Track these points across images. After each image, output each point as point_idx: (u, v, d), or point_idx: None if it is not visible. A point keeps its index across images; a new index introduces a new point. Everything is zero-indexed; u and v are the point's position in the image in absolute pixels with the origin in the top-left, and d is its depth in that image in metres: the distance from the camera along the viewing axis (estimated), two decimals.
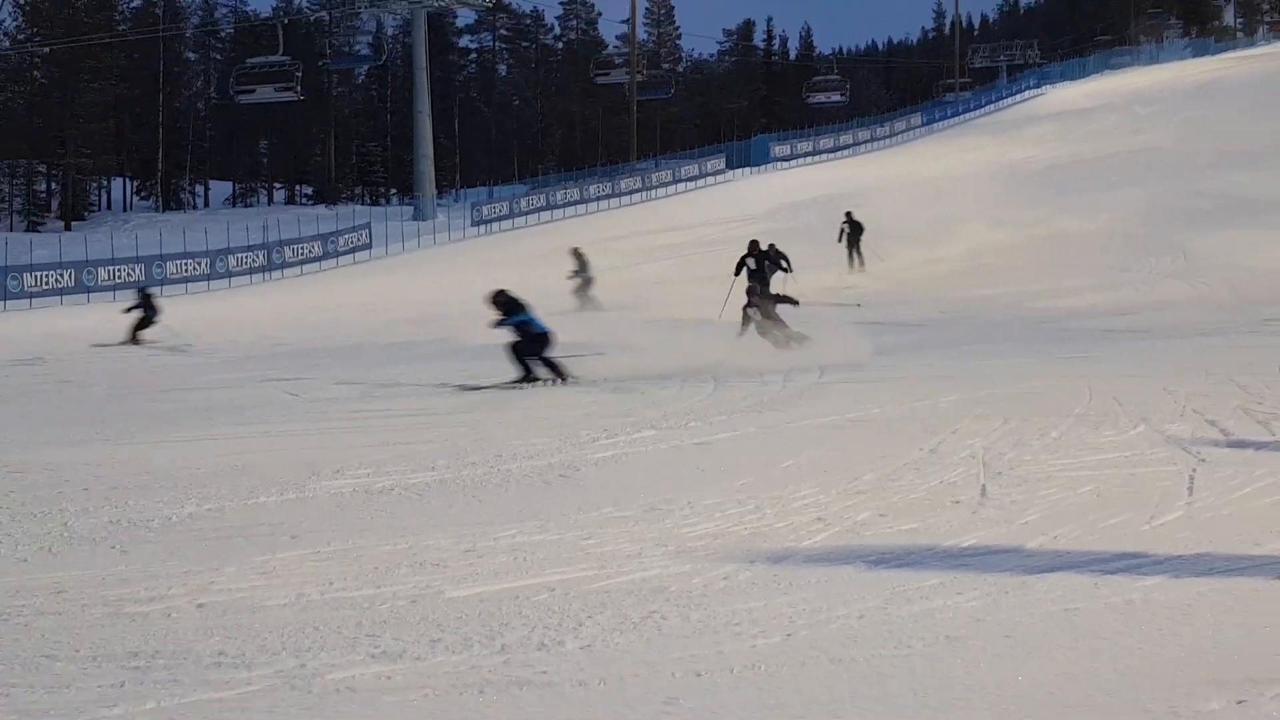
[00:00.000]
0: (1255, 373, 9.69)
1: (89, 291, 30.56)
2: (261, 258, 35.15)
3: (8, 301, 28.93)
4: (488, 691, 3.45)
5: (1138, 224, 26.70)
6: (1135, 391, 8.94)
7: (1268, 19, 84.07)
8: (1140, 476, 6.13)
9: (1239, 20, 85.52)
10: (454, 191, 57.70)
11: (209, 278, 33.25)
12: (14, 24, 54.93)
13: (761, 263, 17.38)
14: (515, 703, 3.35)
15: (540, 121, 70.44)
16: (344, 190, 61.77)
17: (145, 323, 18.30)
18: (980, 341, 14.18)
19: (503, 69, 73.50)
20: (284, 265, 35.36)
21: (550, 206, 43.96)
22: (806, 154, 52.17)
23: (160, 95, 57.91)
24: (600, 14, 74.26)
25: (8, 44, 53.79)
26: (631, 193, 46.14)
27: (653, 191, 46.64)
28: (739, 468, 6.77)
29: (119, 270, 31.95)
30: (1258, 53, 67.74)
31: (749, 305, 13.23)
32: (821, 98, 61.41)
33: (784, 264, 19.85)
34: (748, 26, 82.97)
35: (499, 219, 42.43)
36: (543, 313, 11.77)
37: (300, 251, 36.25)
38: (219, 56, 63.14)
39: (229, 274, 33.78)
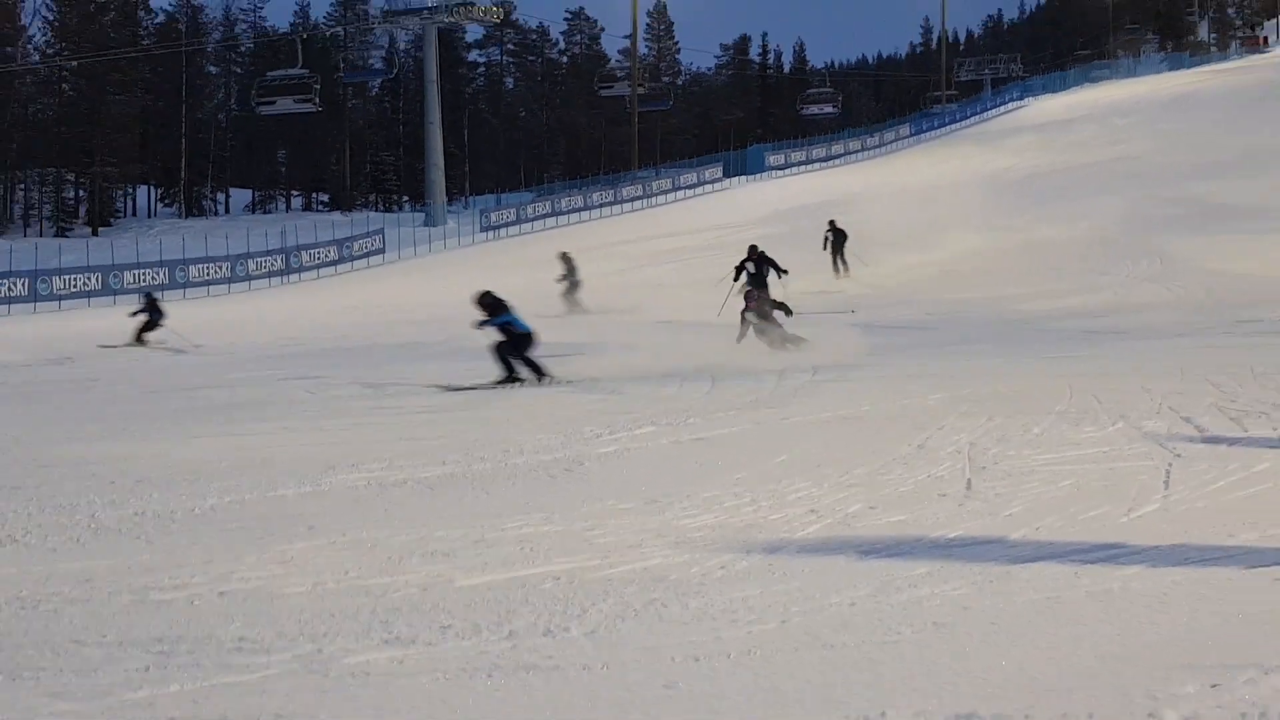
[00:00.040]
0: (1228, 372, 9.68)
1: (115, 294, 30.57)
2: (280, 262, 35.18)
3: (38, 303, 28.96)
4: (496, 676, 3.44)
5: (1116, 230, 26.67)
6: (1114, 390, 8.93)
7: (1240, 34, 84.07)
8: (1119, 471, 6.12)
9: (1212, 35, 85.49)
10: (464, 199, 57.68)
11: (230, 281, 33.28)
12: (44, 39, 55.02)
13: (760, 267, 17.24)
14: (522, 686, 3.35)
15: (546, 132, 70.43)
16: (358, 197, 61.78)
17: (151, 325, 18.32)
18: (965, 342, 14.18)
19: (510, 82, 73.48)
20: (301, 269, 35.39)
21: (555, 213, 43.98)
22: (800, 163, 52.20)
23: (183, 107, 57.95)
24: (603, 29, 74.12)
25: (38, 58, 53.81)
26: (633, 200, 46.17)
27: (653, 199, 46.67)
28: (736, 462, 6.77)
29: (144, 274, 31.97)
30: (1230, 66, 67.75)
31: (746, 309, 13.17)
32: (815, 109, 61.44)
33: (778, 268, 19.74)
34: (744, 41, 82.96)
35: (507, 225, 42.45)
36: (538, 314, 11.76)
37: (317, 256, 36.27)
38: (239, 70, 63.14)
39: (249, 277, 33.81)
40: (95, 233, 50.10)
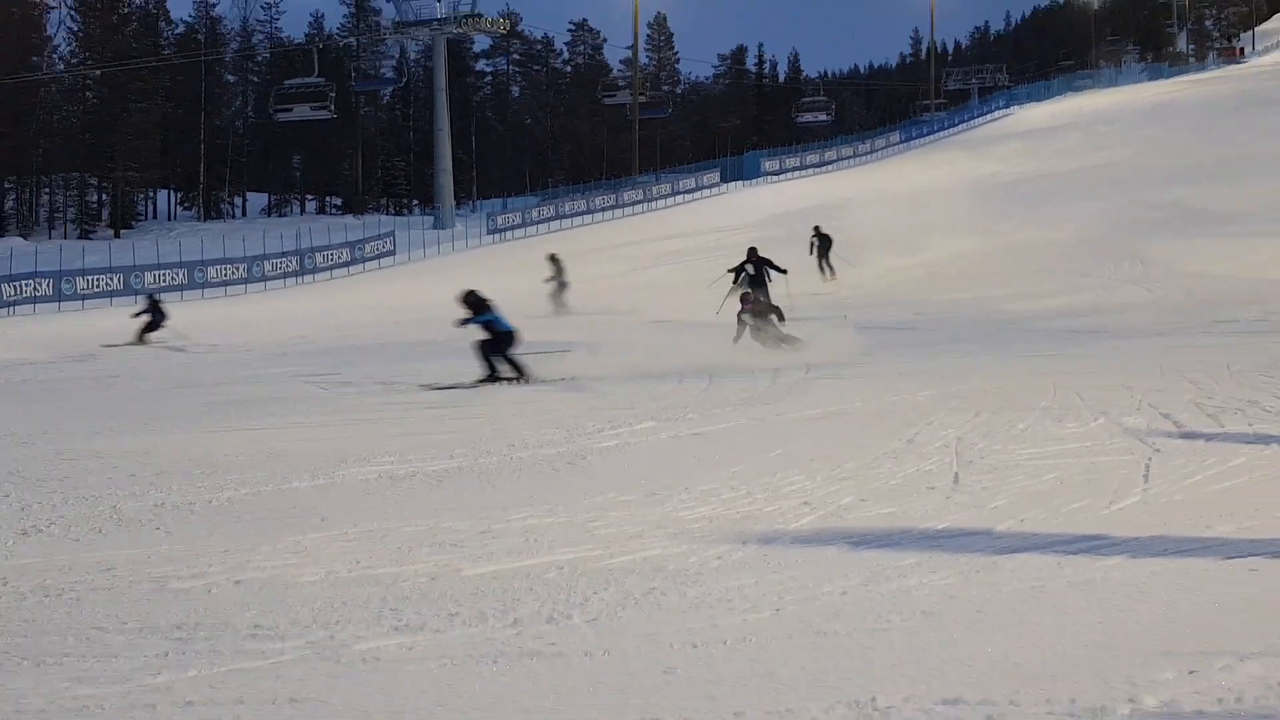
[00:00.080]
0: (1206, 370, 9.67)
1: (136, 294, 30.42)
2: (294, 263, 35.17)
3: (62, 303, 28.96)
4: (501, 661, 3.44)
5: (1098, 234, 26.64)
6: (1096, 387, 8.92)
7: (1217, 45, 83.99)
8: (1100, 465, 6.12)
9: (1190, 47, 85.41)
10: (471, 202, 57.65)
11: (246, 281, 33.27)
12: (68, 49, 54.98)
13: (760, 269, 17.10)
14: (527, 672, 3.35)
15: (550, 138, 70.39)
16: (370, 201, 61.74)
17: (153, 326, 18.33)
18: (953, 341, 14.16)
19: (516, 91, 73.41)
20: (315, 270, 35.38)
21: (559, 216, 43.97)
22: (794, 169, 52.17)
23: (202, 114, 57.93)
24: (606, 40, 74.01)
25: (62, 67, 53.80)
26: (634, 204, 46.15)
27: (653, 203, 46.65)
28: (732, 457, 6.76)
29: (164, 274, 31.97)
30: (1208, 76, 67.68)
31: (743, 311, 13.13)
32: (809, 117, 61.39)
33: (777, 267, 19.53)
34: (740, 51, 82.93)
35: (512, 228, 42.45)
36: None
37: (330, 258, 36.26)
38: (256, 79, 63.10)
39: (264, 278, 33.80)
40: (117, 235, 50.11)
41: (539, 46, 71.87)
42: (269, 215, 61.57)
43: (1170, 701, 2.98)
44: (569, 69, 73.22)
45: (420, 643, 3.63)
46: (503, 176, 66.13)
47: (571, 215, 44.23)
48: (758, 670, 3.30)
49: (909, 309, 18.80)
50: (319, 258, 35.92)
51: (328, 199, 65.26)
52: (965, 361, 11.72)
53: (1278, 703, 2.96)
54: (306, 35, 63.55)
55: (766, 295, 16.33)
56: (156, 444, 7.86)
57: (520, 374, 10.96)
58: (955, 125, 60.38)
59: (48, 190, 55.29)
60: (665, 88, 69.65)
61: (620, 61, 69.26)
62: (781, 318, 13.92)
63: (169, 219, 59.41)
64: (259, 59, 63.38)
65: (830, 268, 24.46)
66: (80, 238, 49.98)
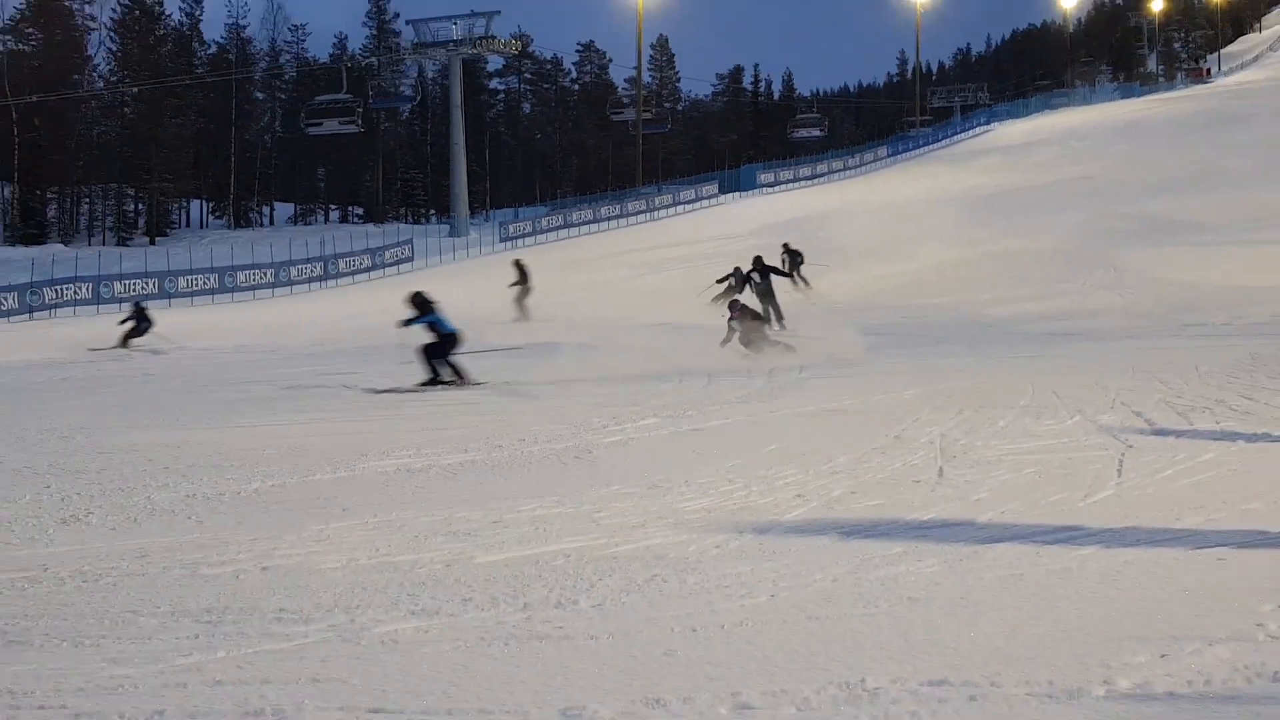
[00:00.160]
0: (1175, 371, 9.64)
1: (170, 297, 30.61)
2: (319, 269, 35.19)
3: (100, 305, 28.98)
4: (512, 644, 3.43)
5: (1074, 242, 26.59)
6: (1072, 387, 8.89)
7: (1185, 67, 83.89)
8: (1076, 460, 6.09)
9: (1160, 67, 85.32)
10: (485, 212, 57.63)
11: (274, 286, 33.30)
12: (108, 68, 55.05)
13: (766, 276, 16.76)
14: (536, 654, 3.34)
15: (559, 152, 70.37)
16: (390, 211, 61.74)
17: (137, 332, 18.24)
18: (937, 344, 14.13)
19: (527, 107, 73.38)
20: (338, 275, 35.40)
21: (567, 225, 43.96)
22: (788, 181, 52.12)
23: (232, 129, 57.96)
24: (611, 60, 73.93)
25: (102, 85, 53.84)
26: (637, 214, 46.12)
27: (655, 213, 46.60)
28: (729, 451, 6.75)
29: (196, 279, 32.03)
30: (1176, 95, 67.57)
31: (731, 318, 13.06)
32: (804, 133, 61.32)
33: (781, 272, 19.19)
34: (737, 71, 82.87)
35: (523, 235, 42.43)
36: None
37: (352, 264, 36.28)
38: (283, 96, 63.10)
39: (290, 283, 33.81)
40: (153, 242, 50.14)
41: (549, 66, 71.86)
42: (295, 224, 61.59)
43: (1143, 683, 2.96)
44: (577, 87, 73.19)
45: (436, 626, 3.62)
46: (514, 188, 66.15)
47: (579, 224, 44.21)
48: (754, 652, 3.29)
49: (896, 313, 18.77)
50: (342, 264, 35.95)
51: (350, 209, 65.22)
52: (949, 362, 11.69)
53: (1244, 685, 2.94)
54: (331, 55, 63.61)
55: (774, 301, 16.20)
56: (188, 439, 7.85)
57: (460, 377, 10.56)
58: (939, 141, 60.28)
59: (87, 200, 55.32)
60: (667, 105, 69.56)
61: (625, 80, 69.34)
62: (781, 321, 13.89)
63: (201, 227, 59.43)
64: (286, 78, 63.37)
65: (803, 280, 23.84)
66: (118, 244, 50.01)
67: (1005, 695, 2.92)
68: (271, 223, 62.39)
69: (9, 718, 2.93)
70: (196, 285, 31.76)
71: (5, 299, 27.39)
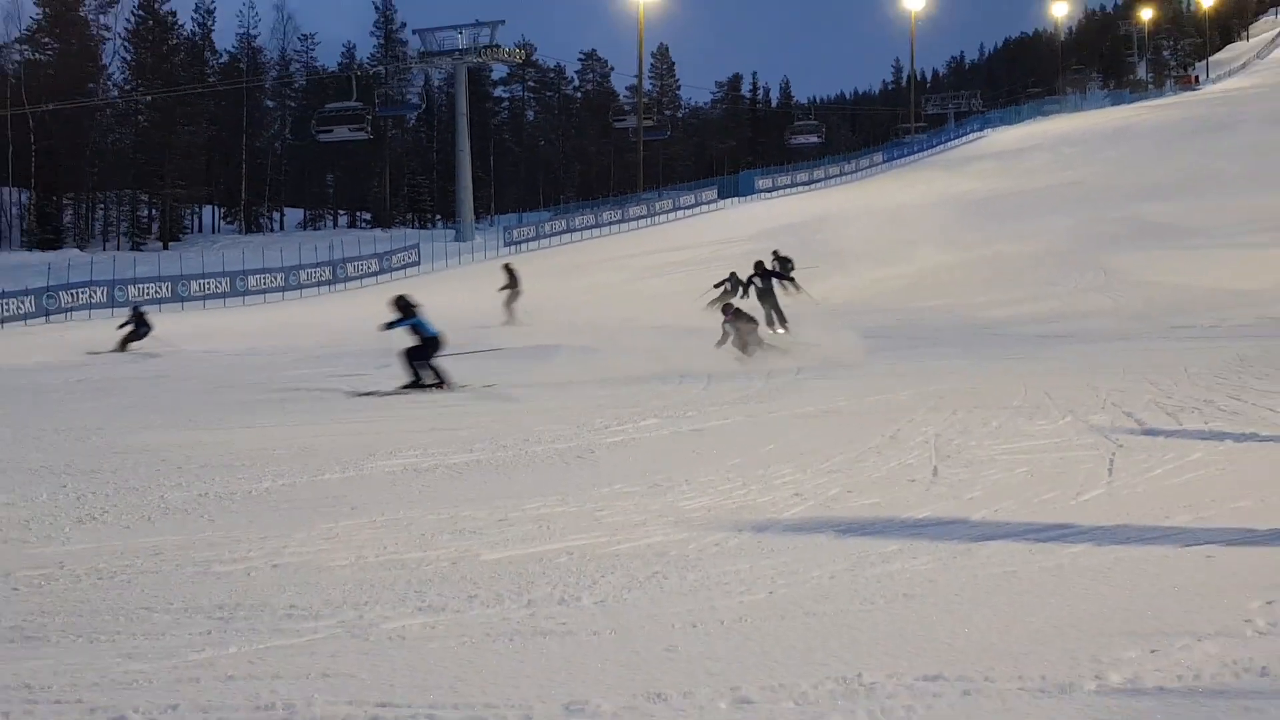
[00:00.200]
0: (1165, 372, 9.64)
1: (183, 301, 30.65)
2: (328, 273, 35.21)
3: (114, 309, 28.98)
4: (516, 640, 3.43)
5: (1065, 246, 26.57)
6: (1063, 387, 8.89)
7: (1174, 74, 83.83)
8: (1068, 459, 6.09)
9: (1149, 75, 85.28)
10: (489, 217, 57.61)
11: (284, 289, 33.31)
12: (122, 77, 55.11)
13: (768, 279, 16.59)
14: (540, 649, 3.34)
15: (562, 158, 70.38)
16: (397, 216, 61.75)
17: (136, 336, 18.16)
18: (931, 345, 14.12)
19: (530, 115, 73.39)
20: (346, 279, 35.41)
21: (570, 230, 43.97)
22: (785, 186, 52.10)
23: (244, 136, 57.99)
24: (613, 69, 73.95)
25: (116, 93, 53.90)
26: (638, 219, 46.12)
27: (656, 218, 46.60)
28: (729, 451, 6.74)
29: (208, 283, 32.06)
30: (1165, 102, 67.53)
31: (725, 321, 13.03)
32: (802, 139, 61.32)
33: (783, 276, 18.89)
34: (736, 79, 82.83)
35: (527, 240, 42.44)
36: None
37: (360, 268, 36.30)
38: (293, 104, 63.14)
39: (300, 286, 33.83)
40: (165, 247, 50.15)
41: (552, 74, 71.88)
42: (305, 229, 61.55)
43: (1133, 678, 2.96)
44: (579, 95, 73.19)
45: (442, 622, 3.62)
46: (518, 193, 66.16)
47: (581, 229, 44.23)
48: (752, 648, 3.29)
49: (891, 316, 18.76)
50: (350, 268, 35.97)
51: (358, 214, 65.25)
52: (943, 364, 11.68)
53: (1233, 680, 2.94)
54: (339, 64, 63.56)
55: (776, 304, 16.08)
56: (201, 438, 7.85)
57: (441, 381, 10.42)
58: (933, 147, 60.25)
59: (102, 206, 55.36)
60: (667, 112, 69.58)
61: (626, 88, 69.37)
62: (785, 324, 13.86)
63: (213, 232, 59.44)
64: (296, 86, 63.40)
65: (794, 285, 23.51)
66: (132, 249, 50.02)
67: (998, 690, 2.91)
68: (281, 228, 62.37)
69: (26, 712, 2.94)
70: (208, 289, 31.79)
71: (22, 303, 27.41)
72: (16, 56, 50.55)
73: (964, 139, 61.51)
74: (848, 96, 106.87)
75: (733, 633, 3.44)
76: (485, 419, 8.60)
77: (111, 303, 29.25)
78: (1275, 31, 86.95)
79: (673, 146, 69.46)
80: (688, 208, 48.10)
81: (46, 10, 51.46)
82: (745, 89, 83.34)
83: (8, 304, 27.04)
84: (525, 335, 17.01)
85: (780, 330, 15.45)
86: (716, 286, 20.92)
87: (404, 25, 63.03)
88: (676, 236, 40.54)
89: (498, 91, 70.16)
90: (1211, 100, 62.91)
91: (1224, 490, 5.19)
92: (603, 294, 26.18)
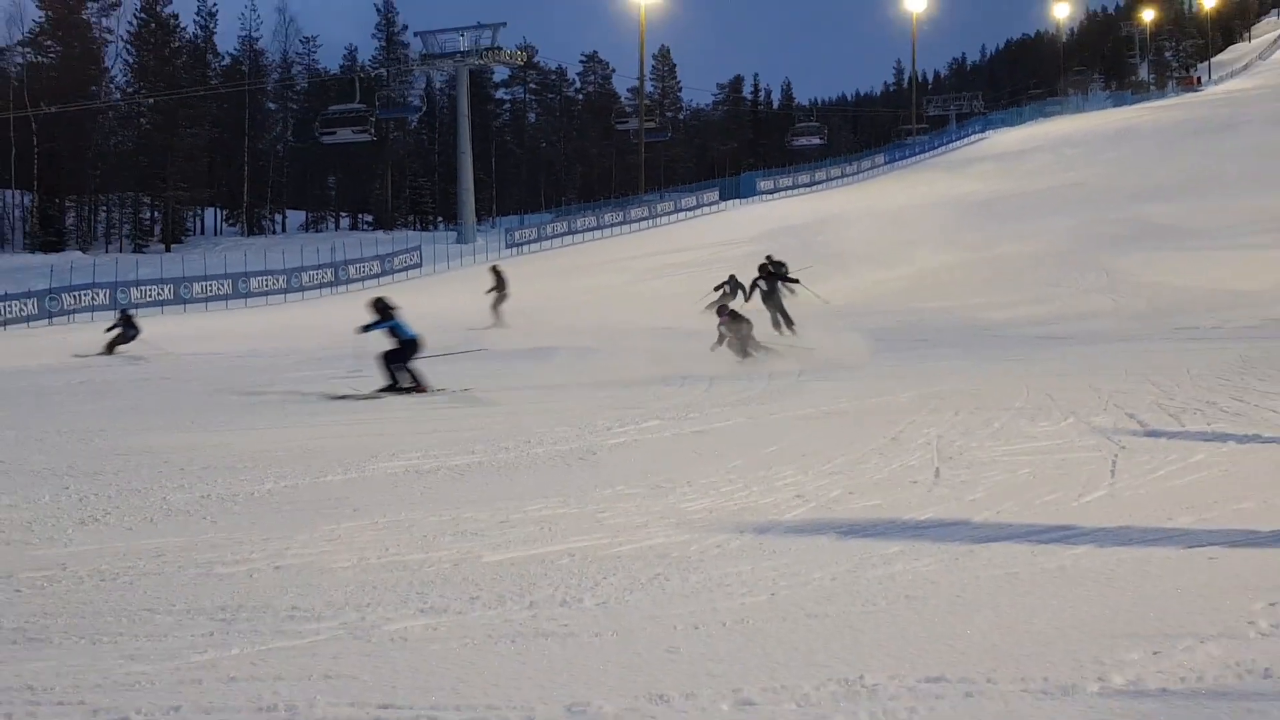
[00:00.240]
0: (1167, 373, 9.63)
1: (185, 303, 30.68)
2: (330, 275, 35.24)
3: (132, 310, 28.99)
4: (518, 641, 3.43)
5: (1066, 247, 26.57)
6: (1065, 389, 8.88)
7: (1176, 75, 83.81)
8: (1070, 461, 6.09)
9: (1151, 76, 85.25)
10: (491, 219, 57.62)
11: (286, 291, 33.34)
12: (124, 80, 55.19)
13: (773, 283, 16.48)
14: (542, 651, 3.34)
15: (563, 160, 70.42)
16: (399, 218, 61.80)
17: (124, 339, 17.95)
18: (933, 346, 14.12)
19: (532, 117, 73.45)
20: (348, 281, 35.43)
21: (571, 232, 43.99)
22: (787, 188, 52.10)
23: (245, 139, 58.05)
24: (614, 70, 73.97)
25: (119, 96, 53.97)
26: (640, 220, 46.13)
27: (658, 219, 46.62)
28: (730, 453, 6.74)
29: (210, 285, 32.09)
30: (1167, 103, 67.50)
31: (721, 323, 13.02)
32: (804, 141, 61.33)
33: (788, 279, 18.71)
34: (737, 81, 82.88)
35: (529, 242, 42.46)
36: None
37: (362, 270, 36.32)
38: (295, 106, 63.21)
39: (302, 288, 33.86)
40: (168, 249, 50.21)
41: (553, 76, 71.93)
42: (307, 231, 61.59)
43: (1136, 680, 2.96)
44: (581, 97, 73.24)
45: (444, 624, 3.62)
46: (520, 195, 66.18)
47: (583, 231, 44.24)
48: (754, 649, 3.28)
49: (892, 317, 18.76)
50: (352, 270, 35.99)
51: (360, 216, 65.30)
52: (945, 365, 11.68)
53: (1236, 681, 2.93)
54: (341, 67, 63.66)
55: (781, 307, 16.01)
56: (203, 440, 7.85)
57: (418, 385, 10.32)
58: (935, 148, 60.24)
59: (104, 208, 55.44)
60: (669, 114, 69.63)
61: (628, 90, 69.37)
62: (791, 326, 13.85)
63: (215, 234, 59.49)
64: (298, 88, 63.49)
65: (791, 287, 23.21)
66: (134, 252, 50.07)
67: (1001, 692, 2.91)
68: (284, 230, 62.43)
69: (29, 713, 2.94)
70: (211, 291, 31.82)
71: (25, 305, 27.45)
72: (19, 59, 50.63)
73: (965, 140, 61.49)
74: (849, 98, 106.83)
75: (735, 634, 3.43)
76: (486, 421, 8.60)
77: (114, 305, 29.25)
78: (1277, 33, 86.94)
79: (674, 148, 69.51)
80: (689, 209, 48.10)
81: (49, 13, 51.55)
82: (747, 90, 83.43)
83: (10, 306, 27.07)
84: (520, 337, 17.00)
85: (788, 332, 15.41)
86: (716, 289, 20.92)
87: (405, 28, 63.16)
88: (678, 238, 40.55)
89: (499, 93, 70.23)
90: (1213, 101, 62.89)
91: (1227, 492, 5.18)
92: (604, 295, 26.19)
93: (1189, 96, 70.42)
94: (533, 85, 71.66)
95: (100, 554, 4.64)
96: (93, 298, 29.12)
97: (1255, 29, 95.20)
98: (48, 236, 49.61)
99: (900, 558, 4.25)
